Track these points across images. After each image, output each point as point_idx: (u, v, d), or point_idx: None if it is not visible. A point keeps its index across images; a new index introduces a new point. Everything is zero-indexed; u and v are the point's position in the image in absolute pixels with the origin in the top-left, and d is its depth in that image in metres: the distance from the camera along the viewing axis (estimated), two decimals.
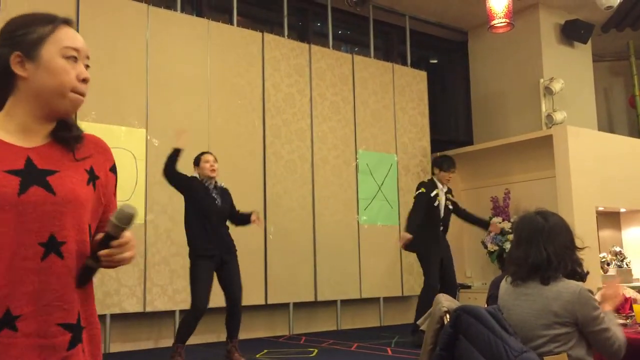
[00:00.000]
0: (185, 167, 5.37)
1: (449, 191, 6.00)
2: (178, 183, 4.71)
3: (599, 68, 9.46)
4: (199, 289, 4.59)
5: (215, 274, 4.76)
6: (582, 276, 2.28)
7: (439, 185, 5.89)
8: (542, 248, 2.26)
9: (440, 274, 5.76)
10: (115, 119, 5.67)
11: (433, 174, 6.03)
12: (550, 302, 2.20)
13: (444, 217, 5.88)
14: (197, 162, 4.84)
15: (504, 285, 2.40)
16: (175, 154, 4.63)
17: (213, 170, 4.78)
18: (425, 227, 5.76)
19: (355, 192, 7.22)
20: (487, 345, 2.05)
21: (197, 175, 4.82)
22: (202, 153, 4.89)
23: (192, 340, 5.93)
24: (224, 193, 4.90)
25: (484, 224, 6.24)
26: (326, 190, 6.97)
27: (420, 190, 5.85)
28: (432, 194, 5.80)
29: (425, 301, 5.61)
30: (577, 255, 2.31)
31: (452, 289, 5.71)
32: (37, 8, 5.19)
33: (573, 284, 2.22)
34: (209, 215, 4.70)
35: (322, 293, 6.77)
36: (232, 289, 4.75)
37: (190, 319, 4.61)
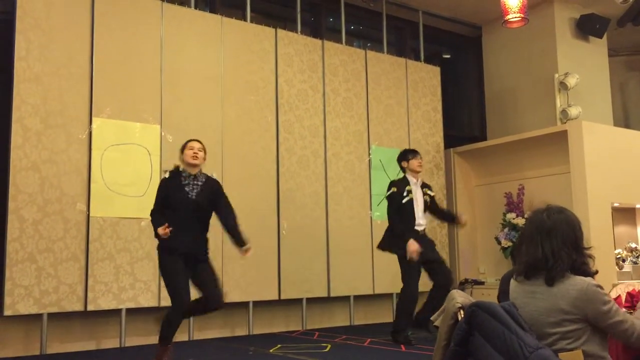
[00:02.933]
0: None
1: (425, 185, 5.70)
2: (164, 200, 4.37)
3: (615, 63, 9.36)
4: (176, 284, 4.18)
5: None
6: (588, 274, 2.25)
7: (412, 180, 5.60)
8: (540, 246, 2.26)
9: (432, 274, 5.49)
10: (130, 115, 5.71)
11: (403, 171, 5.71)
12: (558, 300, 2.19)
13: (421, 214, 5.56)
14: (182, 148, 4.45)
15: (513, 282, 2.40)
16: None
17: (195, 158, 4.36)
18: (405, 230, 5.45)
19: (368, 187, 7.22)
20: (502, 342, 2.05)
21: (179, 167, 4.41)
22: (189, 140, 4.49)
23: (207, 334, 5.99)
24: (208, 184, 4.43)
25: (451, 218, 5.87)
26: (339, 186, 6.98)
27: (392, 190, 5.54)
28: (404, 192, 5.49)
29: (403, 309, 5.38)
30: (580, 254, 2.28)
31: (446, 286, 5.31)
32: (52, 5, 5.22)
33: (580, 280, 2.20)
34: (178, 209, 4.28)
35: (335, 289, 6.79)
36: (209, 286, 4.30)
37: (173, 317, 4.21)
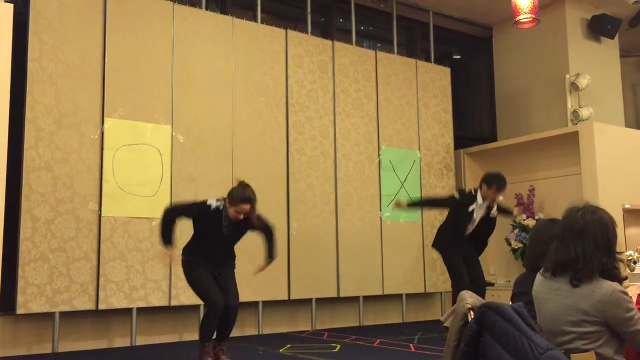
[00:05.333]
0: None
1: (491, 207, 5.80)
2: (185, 216, 4.50)
3: (627, 63, 9.31)
4: (207, 287, 4.37)
5: None
6: (617, 279, 2.23)
7: (479, 201, 5.74)
8: (572, 247, 2.23)
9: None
10: (142, 115, 5.75)
11: (480, 187, 5.82)
12: (581, 300, 2.17)
13: (476, 232, 5.83)
14: (233, 200, 4.36)
15: (539, 277, 2.39)
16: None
17: (235, 218, 4.40)
18: (451, 234, 5.83)
19: (378, 188, 7.22)
20: (512, 342, 2.05)
21: (219, 205, 4.40)
22: (243, 199, 4.33)
23: None
24: (241, 223, 4.47)
25: (507, 214, 6.30)
26: (349, 186, 6.98)
27: (454, 195, 5.88)
28: (469, 209, 5.71)
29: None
30: (612, 258, 2.24)
31: (479, 289, 5.55)
32: (65, 7, 5.25)
33: (606, 284, 2.17)
34: (212, 242, 4.45)
35: (345, 289, 6.79)
36: (228, 295, 4.42)
37: (212, 317, 4.34)
